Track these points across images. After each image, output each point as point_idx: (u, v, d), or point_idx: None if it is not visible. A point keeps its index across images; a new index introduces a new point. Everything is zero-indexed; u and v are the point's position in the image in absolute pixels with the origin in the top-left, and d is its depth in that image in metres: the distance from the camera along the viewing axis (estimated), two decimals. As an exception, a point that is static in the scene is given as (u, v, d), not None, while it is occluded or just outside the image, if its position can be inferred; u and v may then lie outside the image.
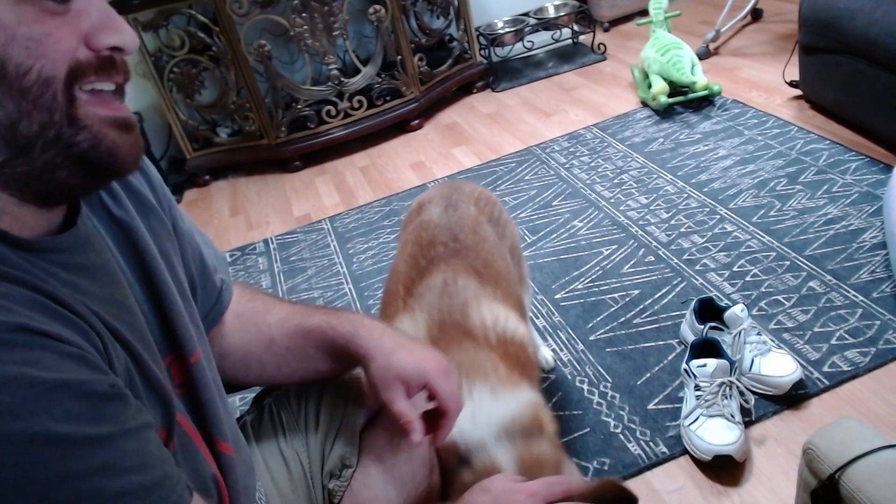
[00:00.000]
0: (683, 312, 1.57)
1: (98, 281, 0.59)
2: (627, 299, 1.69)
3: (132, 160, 0.58)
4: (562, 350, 1.60)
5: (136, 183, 0.71)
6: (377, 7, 2.70)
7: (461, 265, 1.07)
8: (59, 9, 0.51)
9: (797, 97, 2.42)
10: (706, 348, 1.37)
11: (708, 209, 1.96)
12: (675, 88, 2.55)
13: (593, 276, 1.81)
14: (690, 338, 1.47)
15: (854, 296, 1.53)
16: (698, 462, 1.26)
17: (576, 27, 3.36)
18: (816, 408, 1.32)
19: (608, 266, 1.84)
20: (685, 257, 1.79)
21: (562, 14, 3.31)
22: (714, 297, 1.53)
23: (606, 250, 1.90)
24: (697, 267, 1.75)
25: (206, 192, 2.92)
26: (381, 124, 2.88)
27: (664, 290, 1.70)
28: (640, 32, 3.23)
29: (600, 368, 1.52)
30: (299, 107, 2.77)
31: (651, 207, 2.04)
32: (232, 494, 0.73)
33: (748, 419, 1.31)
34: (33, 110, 0.50)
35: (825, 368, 1.38)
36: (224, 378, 0.80)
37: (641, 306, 1.66)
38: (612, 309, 1.68)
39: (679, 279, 1.72)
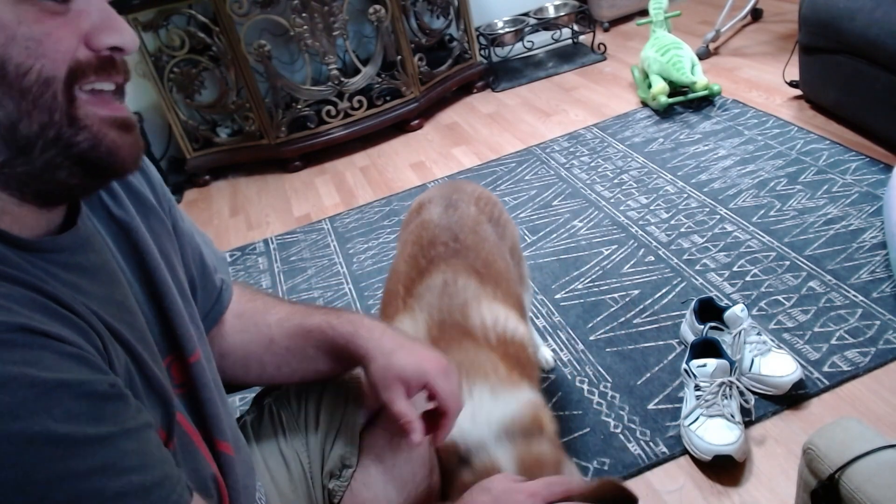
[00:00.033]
0: (683, 312, 1.57)
1: (98, 281, 0.59)
2: (627, 299, 1.69)
3: (132, 160, 0.58)
4: (562, 350, 1.60)
5: (135, 183, 0.71)
6: (377, 7, 2.70)
7: (461, 265, 1.07)
8: (60, 9, 0.51)
9: (797, 97, 2.42)
10: (706, 348, 1.37)
11: (708, 209, 1.96)
12: (675, 88, 2.55)
13: (593, 276, 1.81)
14: (690, 338, 1.47)
15: (854, 296, 1.53)
16: (698, 462, 1.26)
17: (576, 27, 3.36)
18: (816, 408, 1.32)
19: (608, 266, 1.84)
20: (685, 257, 1.79)
21: (562, 14, 3.31)
22: (714, 297, 1.53)
23: (606, 250, 1.90)
24: (697, 267, 1.75)
25: (206, 192, 2.92)
26: (381, 124, 2.88)
27: (664, 290, 1.70)
28: (640, 32, 3.23)
29: (600, 368, 1.52)
30: (299, 107, 2.77)
31: (651, 207, 2.04)
32: (232, 494, 0.73)
33: (748, 419, 1.31)
34: (33, 110, 0.50)
35: (825, 368, 1.38)
36: (224, 378, 0.80)
37: (641, 306, 1.66)
38: (612, 309, 1.68)
39: (679, 279, 1.72)
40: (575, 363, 1.55)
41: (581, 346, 1.59)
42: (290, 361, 0.87)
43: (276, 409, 0.92)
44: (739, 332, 1.39)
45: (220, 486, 0.71)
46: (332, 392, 0.92)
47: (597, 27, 3.37)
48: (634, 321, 1.62)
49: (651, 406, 1.40)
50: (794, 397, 1.33)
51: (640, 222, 1.98)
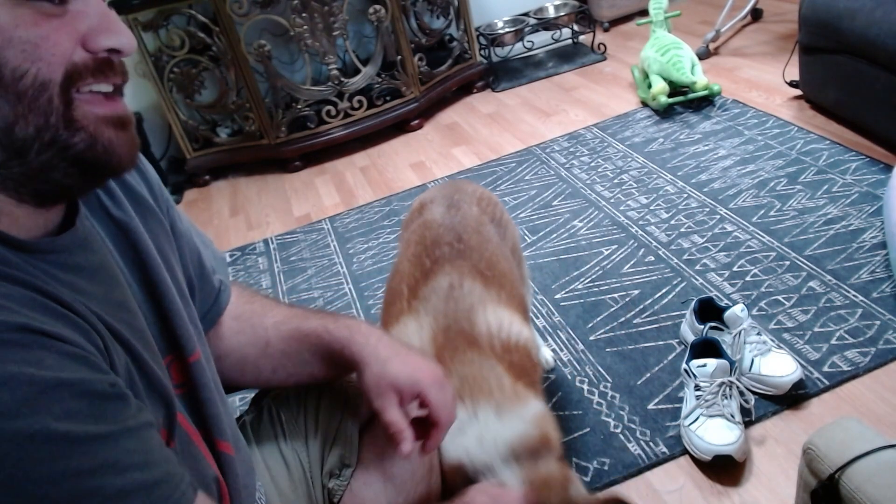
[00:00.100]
0: (683, 312, 1.57)
1: (97, 281, 0.59)
2: (627, 299, 1.69)
3: (129, 158, 0.57)
4: (562, 350, 1.60)
5: (133, 183, 0.71)
6: (377, 7, 2.70)
7: (466, 267, 1.07)
8: (57, 11, 0.51)
9: (797, 97, 2.42)
10: (706, 348, 1.37)
11: (708, 209, 1.96)
12: (675, 88, 2.55)
13: (593, 276, 1.81)
14: (690, 338, 1.47)
15: (854, 296, 1.53)
16: (698, 462, 1.26)
17: (576, 27, 3.36)
18: (816, 408, 1.32)
19: (608, 266, 1.83)
20: (685, 257, 1.79)
21: (562, 14, 3.31)
22: (714, 297, 1.53)
23: (606, 250, 1.90)
24: (697, 267, 1.75)
25: (206, 192, 2.92)
26: (381, 124, 2.88)
27: (664, 290, 1.70)
28: (640, 32, 3.23)
29: (600, 368, 1.52)
30: (299, 107, 2.77)
31: (651, 207, 2.04)
32: (232, 494, 0.73)
33: (748, 419, 1.31)
34: (29, 113, 0.50)
35: (825, 368, 1.38)
36: (221, 379, 0.80)
37: (641, 306, 1.66)
38: (612, 309, 1.68)
39: (679, 279, 1.72)
40: (575, 363, 1.55)
41: (581, 346, 1.59)
42: (286, 365, 0.87)
43: (276, 409, 0.92)
44: (739, 332, 1.39)
45: (221, 486, 0.71)
46: (331, 392, 0.92)
47: (597, 27, 3.37)
48: (634, 321, 1.62)
49: (651, 406, 1.40)
50: (794, 397, 1.33)
51: (640, 222, 1.98)
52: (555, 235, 2.02)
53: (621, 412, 1.40)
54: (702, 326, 1.44)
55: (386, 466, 0.85)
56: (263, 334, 0.87)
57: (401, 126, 2.97)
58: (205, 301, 0.83)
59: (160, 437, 0.57)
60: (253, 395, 0.99)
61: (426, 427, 0.80)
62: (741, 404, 1.30)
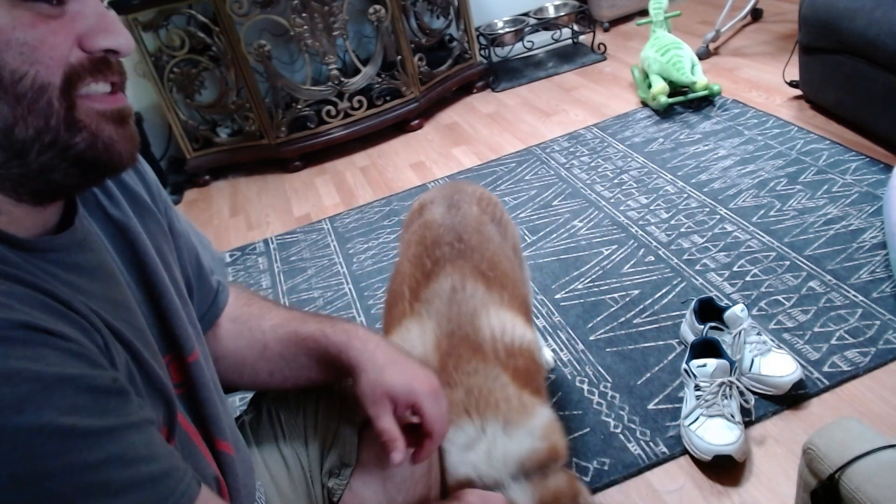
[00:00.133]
0: (683, 312, 1.57)
1: (96, 280, 0.59)
2: (627, 299, 1.69)
3: (129, 155, 0.57)
4: (562, 350, 1.60)
5: (131, 183, 0.71)
6: (377, 7, 2.70)
7: (468, 267, 1.06)
8: (55, 12, 0.51)
9: (797, 97, 2.42)
10: (706, 348, 1.37)
11: (708, 209, 1.96)
12: (675, 88, 2.55)
13: (593, 276, 1.81)
14: (690, 338, 1.47)
15: (854, 296, 1.53)
16: (698, 462, 1.26)
17: (576, 27, 3.36)
18: (816, 408, 1.32)
19: (608, 266, 1.83)
20: (685, 257, 1.79)
21: (562, 14, 3.31)
22: (714, 297, 1.53)
23: (606, 250, 1.90)
24: (697, 267, 1.75)
25: (206, 192, 2.92)
26: (381, 124, 2.88)
27: (664, 290, 1.70)
28: (640, 32, 3.23)
29: (600, 368, 1.52)
30: (299, 107, 2.77)
31: (651, 207, 2.04)
32: (232, 494, 0.73)
33: (748, 419, 1.31)
34: (28, 115, 0.50)
35: (825, 368, 1.38)
36: (219, 380, 0.80)
37: (641, 306, 1.66)
38: (612, 309, 1.68)
39: (679, 279, 1.72)
40: (575, 363, 1.55)
41: (581, 346, 1.59)
42: (283, 368, 0.86)
43: (275, 409, 0.92)
44: (739, 332, 1.39)
45: (221, 486, 0.71)
46: (331, 392, 0.92)
47: (597, 27, 3.37)
48: (634, 321, 1.62)
49: (651, 406, 1.40)
50: (794, 397, 1.33)
51: (640, 222, 1.98)
52: (555, 235, 2.02)
53: (621, 412, 1.40)
54: (702, 326, 1.44)
55: (385, 466, 0.85)
56: (261, 337, 0.86)
57: (401, 126, 2.97)
58: (203, 302, 0.83)
59: (161, 434, 0.57)
60: (252, 395, 0.99)
61: (420, 435, 0.79)
62: (741, 404, 1.30)
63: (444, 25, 3.09)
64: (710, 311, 1.47)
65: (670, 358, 1.50)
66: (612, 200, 2.13)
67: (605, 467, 1.30)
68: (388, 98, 2.88)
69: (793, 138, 2.19)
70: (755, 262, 1.71)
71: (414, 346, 0.98)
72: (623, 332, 1.60)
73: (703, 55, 2.88)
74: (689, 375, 1.33)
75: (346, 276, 2.09)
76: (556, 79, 3.15)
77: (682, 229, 1.91)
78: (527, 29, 3.27)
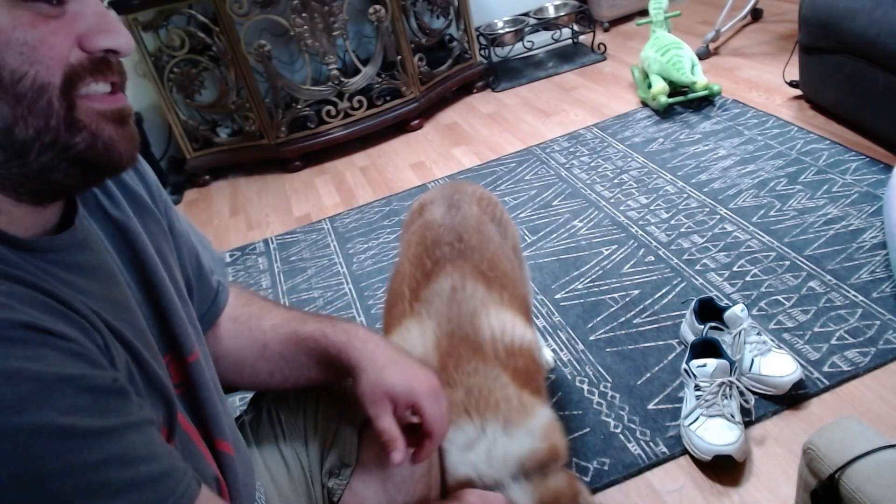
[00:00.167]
0: (683, 312, 1.57)
1: (96, 280, 0.59)
2: (627, 299, 1.69)
3: (129, 155, 0.57)
4: (562, 350, 1.60)
5: (131, 183, 0.71)
6: (377, 7, 2.70)
7: (468, 267, 1.06)
8: (55, 12, 0.51)
9: (797, 97, 2.42)
10: (706, 348, 1.37)
11: (708, 209, 1.96)
12: (675, 88, 2.55)
13: (593, 276, 1.81)
14: (690, 338, 1.47)
15: (854, 296, 1.53)
16: (698, 462, 1.26)
17: (576, 27, 3.36)
18: (816, 408, 1.32)
19: (608, 266, 1.83)
20: (685, 257, 1.79)
21: (562, 14, 3.31)
22: (714, 297, 1.53)
23: (606, 250, 1.90)
24: (697, 267, 1.75)
25: (206, 192, 2.92)
26: (381, 124, 2.88)
27: (664, 290, 1.70)
28: (640, 32, 3.23)
29: (600, 368, 1.52)
30: (299, 107, 2.77)
31: (651, 207, 2.04)
32: (232, 494, 0.73)
33: (748, 419, 1.31)
34: (28, 115, 0.50)
35: (825, 368, 1.38)
36: (219, 380, 0.80)
37: (641, 306, 1.66)
38: (612, 309, 1.68)
39: (679, 279, 1.72)
40: (575, 363, 1.55)
41: (581, 346, 1.59)
42: (283, 368, 0.86)
43: (275, 409, 0.92)
44: (739, 332, 1.39)
45: (221, 486, 0.71)
46: (330, 392, 0.92)
47: (597, 27, 3.37)
48: (634, 321, 1.62)
49: (651, 406, 1.40)
50: (794, 397, 1.33)
51: (640, 222, 1.98)
52: (555, 235, 2.02)
53: (621, 412, 1.40)
54: (702, 326, 1.44)
55: (385, 466, 0.85)
56: (261, 337, 0.86)
57: (401, 126, 2.97)
58: (203, 302, 0.83)
59: (161, 434, 0.57)
60: (252, 395, 0.99)
61: (420, 435, 0.79)
62: (741, 404, 1.30)
63: (444, 25, 3.09)
64: (710, 311, 1.47)
65: (670, 358, 1.50)
66: (612, 200, 2.13)
67: (605, 467, 1.30)
68: (388, 98, 2.88)
69: (793, 138, 2.19)
70: (755, 262, 1.71)
71: (414, 345, 0.98)
72: (623, 332, 1.60)
73: (703, 55, 2.88)
74: (689, 375, 1.33)
75: (346, 276, 2.09)
76: (556, 79, 3.15)
77: (682, 229, 1.91)
78: (527, 29, 3.27)
